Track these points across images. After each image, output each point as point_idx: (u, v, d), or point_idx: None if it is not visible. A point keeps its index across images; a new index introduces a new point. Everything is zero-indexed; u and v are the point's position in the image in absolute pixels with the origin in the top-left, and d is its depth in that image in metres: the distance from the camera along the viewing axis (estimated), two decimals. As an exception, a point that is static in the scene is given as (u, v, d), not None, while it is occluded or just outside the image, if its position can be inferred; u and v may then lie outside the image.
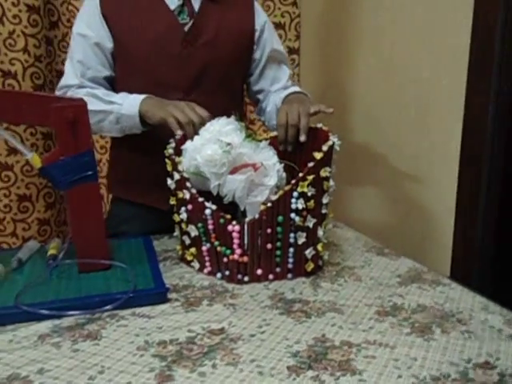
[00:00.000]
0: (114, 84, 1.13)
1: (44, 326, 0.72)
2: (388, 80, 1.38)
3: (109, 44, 1.08)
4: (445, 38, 1.16)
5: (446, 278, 0.90)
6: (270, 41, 1.19)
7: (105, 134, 1.17)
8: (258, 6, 1.19)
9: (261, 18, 1.18)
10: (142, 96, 1.02)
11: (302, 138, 0.95)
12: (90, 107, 1.02)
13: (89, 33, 1.07)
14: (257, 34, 1.16)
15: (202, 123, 0.92)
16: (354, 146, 1.56)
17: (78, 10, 1.56)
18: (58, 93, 1.10)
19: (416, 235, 1.28)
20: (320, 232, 0.90)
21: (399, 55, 1.32)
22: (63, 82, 1.11)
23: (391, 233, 1.38)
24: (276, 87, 1.21)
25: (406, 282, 0.88)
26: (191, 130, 0.93)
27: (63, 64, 1.65)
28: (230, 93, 1.16)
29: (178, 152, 0.92)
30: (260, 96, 1.24)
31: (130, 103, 1.02)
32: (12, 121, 0.91)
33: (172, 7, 1.07)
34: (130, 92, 1.05)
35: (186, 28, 1.07)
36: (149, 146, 1.07)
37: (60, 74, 1.66)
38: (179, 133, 0.94)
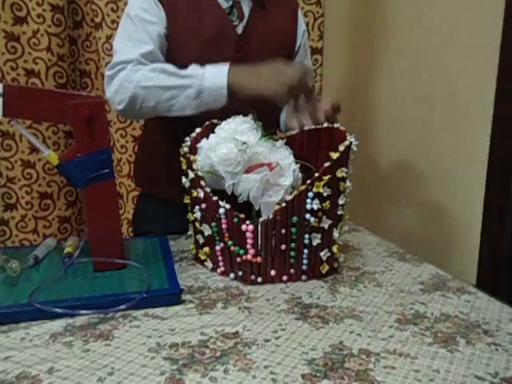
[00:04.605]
0: None
1: (57, 325, 0.71)
2: (413, 80, 1.34)
3: (166, 31, 1.02)
4: (474, 37, 1.11)
5: (471, 287, 0.86)
6: (304, 53, 1.20)
7: (172, 114, 0.99)
8: (300, 15, 1.19)
9: (302, 27, 1.18)
10: (227, 66, 0.94)
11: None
12: (158, 83, 0.95)
13: (148, 17, 1.01)
14: (298, 43, 1.17)
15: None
16: (377, 149, 1.52)
17: (101, 10, 1.57)
18: (108, 72, 1.01)
19: (440, 241, 1.24)
20: (335, 234, 0.88)
21: (425, 55, 1.28)
22: (117, 58, 1.00)
23: (414, 238, 1.34)
24: None
25: (429, 289, 0.85)
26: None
27: (86, 63, 1.68)
28: None
29: (193, 150, 0.91)
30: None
31: (212, 74, 0.93)
32: (31, 118, 0.91)
33: (223, 7, 1.06)
34: None
35: (239, 31, 1.06)
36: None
37: (83, 73, 1.69)
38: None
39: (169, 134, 1.08)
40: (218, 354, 0.64)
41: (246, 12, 1.08)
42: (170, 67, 0.98)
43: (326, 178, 0.82)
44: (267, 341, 0.67)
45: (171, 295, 0.78)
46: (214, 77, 0.93)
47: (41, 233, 1.67)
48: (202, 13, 1.05)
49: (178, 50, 1.04)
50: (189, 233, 0.98)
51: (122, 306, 0.74)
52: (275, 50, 1.10)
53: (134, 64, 0.99)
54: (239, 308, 0.77)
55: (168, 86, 0.95)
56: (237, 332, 0.70)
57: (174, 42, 1.05)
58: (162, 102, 0.97)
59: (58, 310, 0.72)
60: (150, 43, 1.01)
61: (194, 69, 0.96)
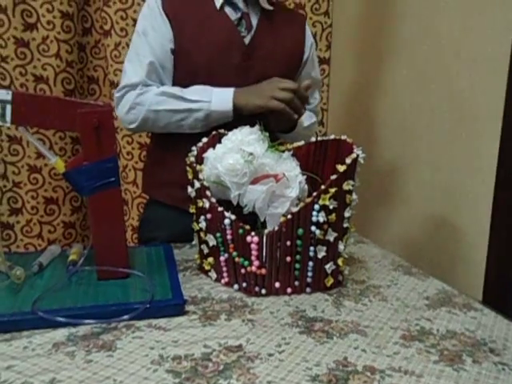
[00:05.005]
0: None
1: (60, 334, 0.71)
2: (421, 92, 1.33)
3: (172, 45, 1.06)
4: (482, 49, 1.11)
5: (477, 303, 0.85)
6: (311, 65, 1.22)
7: (182, 131, 1.07)
8: (308, 28, 1.21)
9: (310, 40, 1.21)
10: (231, 90, 1.02)
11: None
12: (168, 107, 1.02)
13: (153, 31, 1.05)
14: (305, 55, 1.19)
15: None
16: (383, 160, 1.52)
17: (110, 18, 1.58)
18: (117, 94, 1.08)
19: (446, 255, 1.22)
20: (341, 246, 0.87)
21: (433, 66, 1.28)
22: (125, 81, 1.06)
23: (419, 250, 1.32)
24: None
25: (435, 304, 0.84)
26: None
27: (94, 70, 1.69)
28: None
29: (200, 160, 0.91)
30: None
31: (219, 99, 1.01)
32: (39, 125, 0.92)
33: (231, 19, 1.08)
34: None
35: (247, 41, 1.08)
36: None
37: (91, 79, 1.69)
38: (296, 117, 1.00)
39: (177, 141, 1.08)
40: (221, 367, 0.63)
41: (254, 23, 1.10)
42: (177, 90, 1.04)
43: (333, 190, 0.82)
44: (271, 355, 0.67)
45: (175, 306, 0.78)
46: (220, 102, 1.01)
47: (45, 238, 1.68)
48: (210, 24, 1.06)
49: (186, 59, 1.07)
50: (193, 242, 0.97)
51: (125, 317, 0.73)
52: (282, 60, 1.12)
53: (141, 87, 1.05)
54: (243, 320, 0.77)
55: (178, 109, 1.03)
56: (240, 345, 0.69)
57: (182, 52, 1.07)
58: (172, 123, 1.05)
59: (61, 319, 0.71)
60: (151, 56, 1.05)
61: (200, 93, 1.02)
